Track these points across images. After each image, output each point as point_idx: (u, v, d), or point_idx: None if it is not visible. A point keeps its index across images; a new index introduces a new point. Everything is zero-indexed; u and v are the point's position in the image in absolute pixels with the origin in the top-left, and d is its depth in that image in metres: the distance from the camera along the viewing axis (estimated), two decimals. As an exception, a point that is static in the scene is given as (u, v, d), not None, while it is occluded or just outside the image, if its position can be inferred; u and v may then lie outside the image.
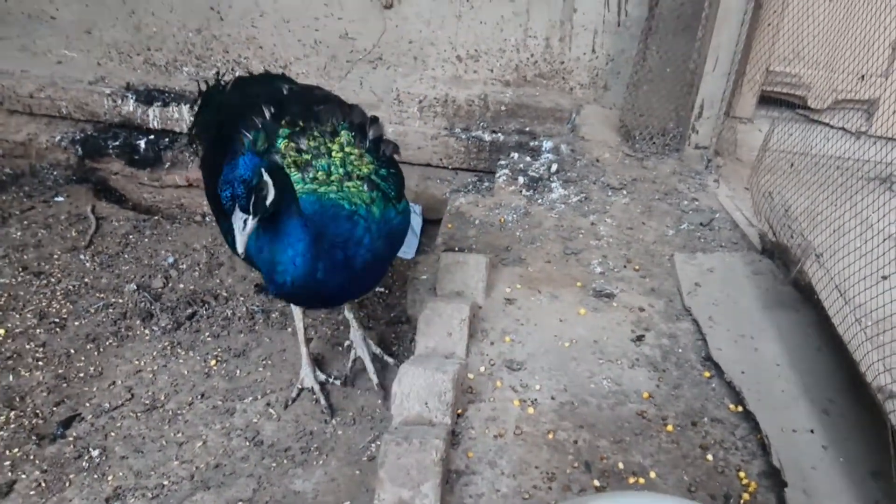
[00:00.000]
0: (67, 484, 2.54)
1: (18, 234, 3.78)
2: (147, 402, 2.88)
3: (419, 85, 4.22)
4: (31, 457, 2.63)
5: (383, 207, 2.40)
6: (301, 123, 2.50)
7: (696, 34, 3.64)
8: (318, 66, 4.31)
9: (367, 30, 4.22)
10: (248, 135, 2.44)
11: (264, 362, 3.12)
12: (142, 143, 4.20)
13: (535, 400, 2.48)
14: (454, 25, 4.15)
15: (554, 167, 3.76)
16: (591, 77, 4.23)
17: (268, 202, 2.03)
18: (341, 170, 2.42)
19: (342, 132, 2.52)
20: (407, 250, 3.96)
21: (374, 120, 2.63)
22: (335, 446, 2.71)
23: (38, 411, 2.82)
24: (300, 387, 2.93)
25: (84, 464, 2.62)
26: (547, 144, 3.96)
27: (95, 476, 2.56)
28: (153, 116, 4.17)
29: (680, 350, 2.72)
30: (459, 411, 2.42)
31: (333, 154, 2.46)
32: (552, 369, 2.61)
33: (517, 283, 3.00)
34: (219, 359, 3.11)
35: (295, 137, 2.47)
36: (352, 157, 2.47)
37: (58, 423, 2.77)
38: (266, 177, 2.01)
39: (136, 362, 3.07)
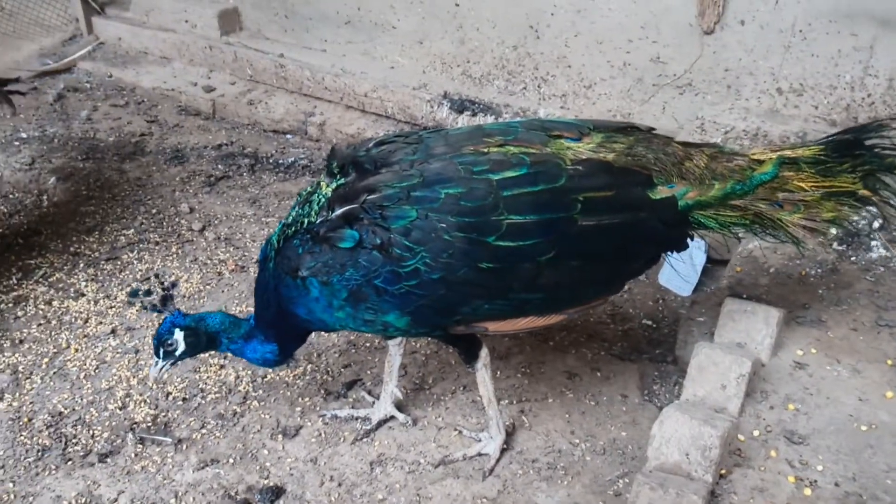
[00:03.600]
0: (342, 440, 2.86)
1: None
2: (417, 381, 3.13)
3: (728, 115, 3.98)
4: (317, 408, 3.01)
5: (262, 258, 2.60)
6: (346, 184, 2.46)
7: None
8: (622, 88, 4.29)
9: (681, 55, 4.09)
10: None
11: (524, 369, 3.20)
12: (447, 146, 4.58)
13: (815, 482, 2.20)
14: (780, 56, 3.84)
15: (877, 223, 3.28)
16: (942, 126, 3.61)
17: (177, 353, 2.60)
18: (294, 213, 2.54)
19: (333, 184, 2.47)
20: (683, 286, 3.77)
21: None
22: (581, 471, 2.68)
23: (328, 369, 3.21)
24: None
25: (357, 425, 2.92)
26: (873, 197, 3.48)
27: (366, 439, 2.85)
28: (461, 124, 4.49)
29: None
30: (723, 472, 2.24)
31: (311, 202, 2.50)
32: (840, 452, 2.29)
33: (812, 347, 2.68)
34: (483, 357, 3.26)
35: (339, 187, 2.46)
36: (311, 209, 2.46)
37: (343, 383, 3.13)
38: (178, 334, 2.56)
39: (413, 343, 3.34)
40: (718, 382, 2.48)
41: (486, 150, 2.41)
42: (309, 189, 2.58)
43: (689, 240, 2.61)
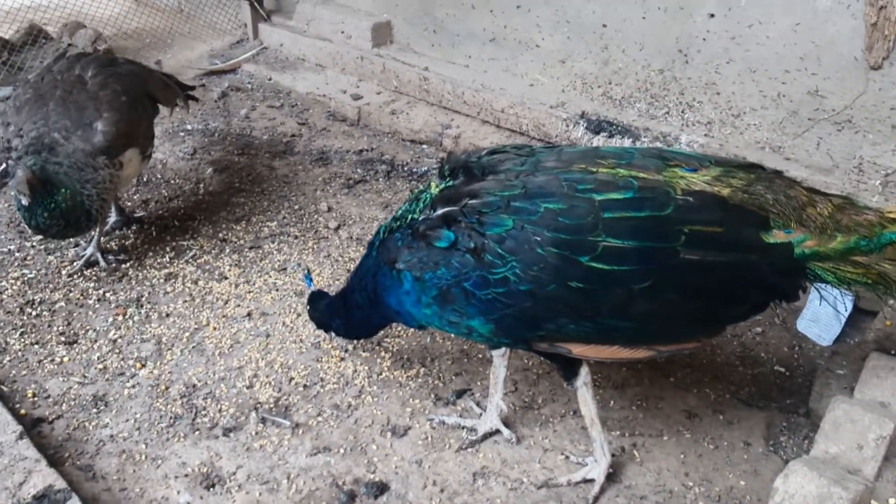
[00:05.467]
0: (447, 446, 2.89)
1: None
2: (527, 400, 3.11)
3: (891, 157, 3.68)
4: (427, 411, 3.06)
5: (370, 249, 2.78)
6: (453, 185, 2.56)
7: None
8: (774, 120, 4.07)
9: (842, 89, 3.83)
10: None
11: (639, 402, 3.09)
12: (580, 167, 4.53)
13: (962, 567, 1.97)
14: (958, 96, 3.51)
15: None
16: None
17: None
18: (403, 208, 2.68)
19: (442, 186, 2.58)
20: (823, 335, 3.51)
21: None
22: (692, 514, 2.56)
23: (440, 375, 3.26)
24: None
25: (464, 434, 2.94)
26: None
27: (470, 449, 2.86)
28: (596, 145, 4.44)
29: None
30: (851, 539, 2.06)
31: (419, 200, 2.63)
32: None
33: (970, 418, 2.41)
34: (597, 384, 3.18)
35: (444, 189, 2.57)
36: (417, 206, 2.59)
37: (453, 391, 3.16)
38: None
39: (525, 360, 3.32)
40: (855, 442, 2.28)
41: (594, 170, 2.37)
42: (421, 188, 2.69)
43: (800, 291, 2.42)
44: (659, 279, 2.25)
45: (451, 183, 2.55)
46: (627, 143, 4.33)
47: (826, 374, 2.91)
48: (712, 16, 4.10)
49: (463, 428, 2.95)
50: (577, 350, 2.46)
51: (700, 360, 3.32)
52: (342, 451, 2.85)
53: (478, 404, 3.07)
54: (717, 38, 4.12)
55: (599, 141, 4.44)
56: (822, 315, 3.49)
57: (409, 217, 2.56)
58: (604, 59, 4.65)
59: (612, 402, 3.09)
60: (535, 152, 2.56)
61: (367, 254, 2.77)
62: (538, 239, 2.26)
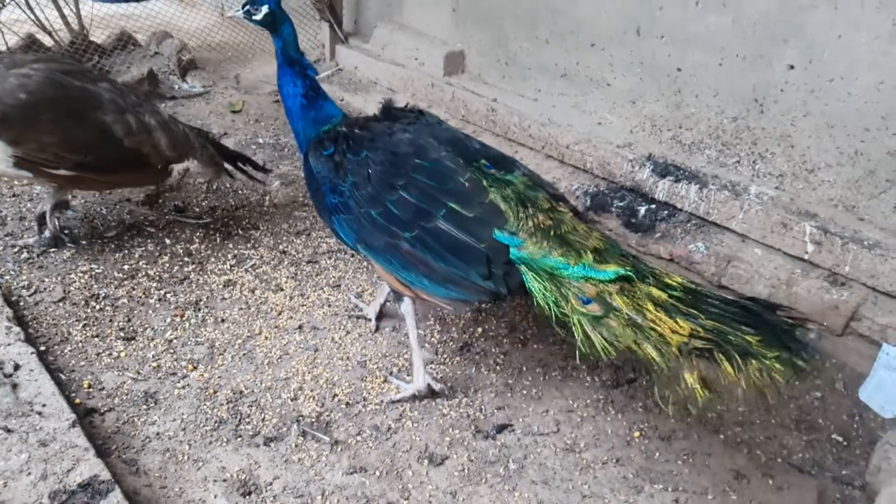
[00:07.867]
0: (483, 480, 2.85)
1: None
2: (568, 442, 3.05)
3: (975, 226, 3.51)
4: (465, 443, 3.03)
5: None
6: None
7: None
8: (850, 177, 3.94)
9: (926, 151, 3.68)
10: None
11: (686, 457, 3.00)
12: (641, 210, 4.46)
13: None
14: None
15: None
16: None
17: (253, 18, 3.39)
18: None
19: None
20: (886, 407, 3.34)
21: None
22: (732, 582, 2.44)
23: (482, 407, 3.23)
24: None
25: (501, 470, 2.90)
26: None
27: (506, 487, 2.82)
28: (661, 188, 4.37)
29: None
30: None
31: None
32: None
33: None
34: (643, 433, 3.10)
35: None
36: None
37: (494, 425, 3.13)
38: (264, 10, 3.36)
39: (570, 402, 3.27)
40: (915, 525, 2.16)
41: (437, 145, 3.03)
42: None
43: (509, 289, 2.79)
44: (421, 235, 2.83)
45: (373, 116, 3.41)
46: (694, 188, 4.25)
47: (886, 448, 2.76)
48: (792, 67, 4.01)
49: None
50: (378, 269, 3.06)
51: (753, 419, 3.20)
52: (378, 473, 2.85)
53: (518, 441, 3.03)
54: (796, 89, 4.02)
55: (664, 185, 4.37)
56: (887, 384, 3.33)
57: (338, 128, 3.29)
58: (675, 102, 4.60)
59: (657, 454, 3.00)
60: (433, 123, 3.32)
61: (319, 129, 3.37)
62: (370, 171, 2.99)
